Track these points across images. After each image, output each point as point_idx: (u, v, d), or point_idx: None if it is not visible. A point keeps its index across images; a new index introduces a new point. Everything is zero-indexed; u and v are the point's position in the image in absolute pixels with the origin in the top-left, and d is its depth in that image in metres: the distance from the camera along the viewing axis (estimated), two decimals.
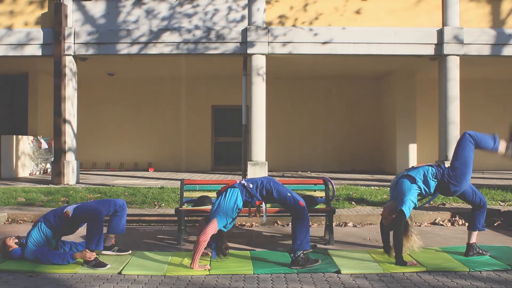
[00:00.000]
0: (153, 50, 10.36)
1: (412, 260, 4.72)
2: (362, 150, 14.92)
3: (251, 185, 4.91)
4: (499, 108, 14.63)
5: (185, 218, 6.14)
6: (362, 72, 13.72)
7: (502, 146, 5.10)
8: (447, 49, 10.21)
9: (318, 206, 5.89)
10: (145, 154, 15.08)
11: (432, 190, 4.90)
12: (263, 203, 5.03)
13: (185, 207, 5.90)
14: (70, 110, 10.46)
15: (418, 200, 4.90)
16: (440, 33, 10.25)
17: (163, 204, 7.80)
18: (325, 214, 5.95)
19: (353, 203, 7.89)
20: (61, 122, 10.29)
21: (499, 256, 4.93)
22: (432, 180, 4.87)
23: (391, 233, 4.85)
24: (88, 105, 14.37)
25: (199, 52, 10.37)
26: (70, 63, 10.39)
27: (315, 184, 6.18)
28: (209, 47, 10.34)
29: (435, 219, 7.05)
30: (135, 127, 15.11)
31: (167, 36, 10.33)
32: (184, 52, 10.39)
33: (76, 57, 10.57)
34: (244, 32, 10.30)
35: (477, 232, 5.09)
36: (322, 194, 6.07)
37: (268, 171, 10.29)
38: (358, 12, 10.39)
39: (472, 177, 5.12)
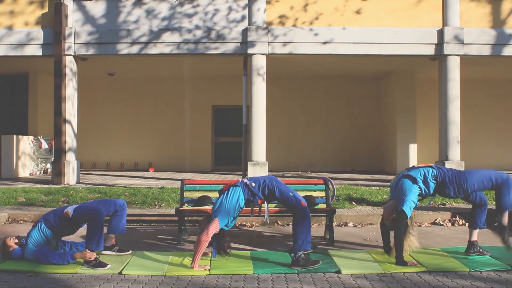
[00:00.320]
0: (154, 50, 10.36)
1: (413, 260, 4.72)
2: (362, 150, 14.91)
3: (253, 184, 4.90)
4: (499, 108, 14.64)
5: (186, 218, 6.15)
6: (363, 72, 13.71)
7: (506, 216, 4.99)
8: (447, 49, 10.20)
9: (318, 206, 5.89)
10: (145, 154, 15.07)
11: (431, 191, 4.90)
12: (264, 202, 5.03)
13: (185, 207, 5.90)
14: (71, 110, 10.46)
15: (418, 201, 4.90)
16: (441, 33, 10.25)
17: (163, 204, 7.80)
18: (325, 214, 5.95)
19: (353, 203, 7.89)
20: (61, 122, 10.29)
21: (499, 256, 4.93)
22: (432, 181, 4.87)
23: (392, 233, 4.86)
24: (88, 105, 14.38)
25: (200, 52, 10.37)
26: (70, 63, 10.39)
27: (316, 184, 6.19)
28: (210, 47, 10.34)
29: (436, 219, 7.05)
30: (136, 127, 15.11)
31: (167, 36, 10.33)
32: (184, 52, 10.40)
33: (77, 57, 10.57)
34: (245, 32, 10.30)
35: (478, 230, 5.09)
36: (323, 194, 6.07)
37: (268, 171, 10.29)
38: (358, 12, 10.38)
39: None
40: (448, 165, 9.82)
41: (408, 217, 4.70)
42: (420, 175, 4.87)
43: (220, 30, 10.33)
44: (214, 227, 4.59)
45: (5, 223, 7.09)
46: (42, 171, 13.09)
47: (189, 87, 14.96)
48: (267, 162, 10.25)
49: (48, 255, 4.62)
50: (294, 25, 10.36)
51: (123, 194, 8.36)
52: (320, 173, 12.99)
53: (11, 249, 4.78)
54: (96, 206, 4.94)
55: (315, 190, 6.12)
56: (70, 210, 4.83)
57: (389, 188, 5.50)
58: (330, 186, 6.07)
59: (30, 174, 12.52)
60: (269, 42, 10.27)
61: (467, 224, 6.77)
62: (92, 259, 4.56)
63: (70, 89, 10.43)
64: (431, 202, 7.73)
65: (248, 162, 10.20)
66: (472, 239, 5.07)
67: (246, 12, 10.40)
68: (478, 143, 14.35)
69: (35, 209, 7.51)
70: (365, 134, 15.01)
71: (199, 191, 6.10)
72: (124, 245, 5.37)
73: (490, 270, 4.51)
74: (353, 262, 4.77)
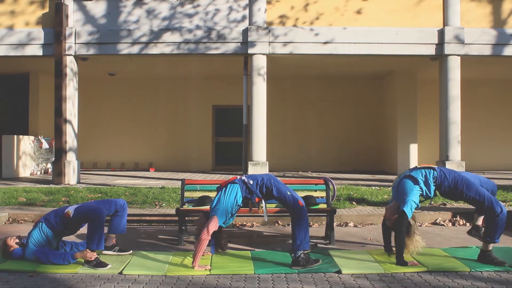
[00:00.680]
0: (154, 50, 10.36)
1: (413, 260, 4.72)
2: (363, 150, 14.90)
3: (251, 182, 4.88)
4: (500, 108, 14.64)
5: (186, 218, 6.14)
6: (363, 72, 13.71)
7: (481, 220, 5.10)
8: (448, 49, 10.20)
9: (319, 206, 5.89)
10: (146, 154, 15.08)
11: (432, 193, 4.89)
12: (262, 200, 5.02)
13: (186, 207, 5.90)
14: (71, 110, 10.47)
15: (419, 202, 4.89)
16: (441, 33, 10.25)
17: (164, 204, 7.80)
18: (326, 214, 5.94)
19: (354, 203, 7.89)
20: (62, 122, 10.30)
21: (500, 256, 4.92)
22: (433, 183, 4.86)
23: (393, 233, 4.85)
24: (89, 105, 14.39)
25: (200, 52, 10.38)
26: (71, 63, 10.40)
27: (316, 184, 6.18)
28: (210, 47, 10.34)
29: (436, 219, 7.05)
30: (136, 127, 15.11)
31: (168, 36, 10.33)
32: (185, 52, 10.40)
33: (77, 57, 10.57)
34: (245, 32, 10.30)
35: (483, 216, 5.10)
36: (323, 194, 6.07)
37: (269, 171, 10.29)
38: (359, 12, 10.38)
39: None
40: (448, 165, 9.81)
41: (409, 217, 4.69)
42: (422, 176, 4.86)
43: (221, 30, 10.33)
44: (213, 225, 4.58)
45: (5, 223, 7.09)
46: (42, 171, 13.09)
47: (189, 87, 14.96)
48: (267, 162, 10.25)
49: (48, 255, 4.62)
50: (294, 25, 10.36)
51: (123, 194, 8.36)
52: (321, 173, 12.99)
53: (11, 249, 4.78)
54: (97, 206, 4.94)
55: (315, 190, 6.11)
56: (71, 210, 4.84)
57: (389, 188, 5.50)
58: (331, 186, 6.06)
59: (30, 174, 12.53)
60: (269, 42, 10.27)
61: (467, 224, 6.80)
62: (93, 259, 4.57)
63: (71, 89, 10.43)
64: (432, 202, 7.74)
65: (249, 162, 10.20)
66: (476, 223, 5.10)
67: (246, 12, 10.40)
68: (478, 143, 14.34)
69: (35, 209, 7.51)
70: (365, 134, 15.00)
71: (200, 191, 6.10)
72: (124, 245, 5.37)
73: (491, 270, 4.51)
74: (353, 262, 4.76)
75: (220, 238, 4.82)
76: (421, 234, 4.96)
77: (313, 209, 5.79)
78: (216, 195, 4.83)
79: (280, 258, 4.95)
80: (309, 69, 13.11)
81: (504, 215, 4.67)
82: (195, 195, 6.08)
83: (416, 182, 4.82)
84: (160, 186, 9.43)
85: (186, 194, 6.09)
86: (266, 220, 5.29)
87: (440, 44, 10.25)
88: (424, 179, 4.85)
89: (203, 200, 5.79)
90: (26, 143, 12.35)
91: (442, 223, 6.99)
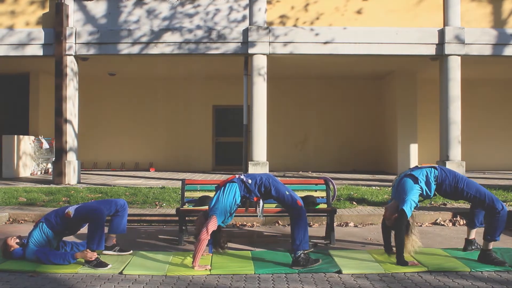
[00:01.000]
0: (154, 50, 10.36)
1: (413, 260, 4.72)
2: (363, 150, 14.91)
3: (250, 181, 4.87)
4: (500, 108, 14.64)
5: (186, 218, 6.14)
6: (363, 72, 13.71)
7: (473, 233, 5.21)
8: (448, 49, 10.20)
9: (319, 206, 5.89)
10: (146, 154, 15.08)
11: (432, 193, 4.89)
12: (260, 200, 5.01)
13: (186, 207, 5.91)
14: (71, 110, 10.47)
15: (419, 201, 4.89)
16: (441, 33, 10.25)
17: (164, 204, 7.80)
18: (326, 214, 5.94)
19: (354, 203, 7.89)
20: (62, 122, 10.30)
21: (500, 256, 4.92)
22: (433, 183, 4.86)
23: (393, 233, 4.85)
24: (89, 105, 14.39)
25: (200, 52, 10.38)
26: (71, 63, 10.41)
27: (316, 184, 6.18)
28: (210, 47, 10.35)
29: (436, 219, 7.05)
30: (136, 127, 15.11)
31: (168, 36, 10.33)
32: (185, 52, 10.40)
33: (77, 57, 10.58)
34: (245, 32, 10.30)
35: (475, 229, 5.13)
36: (323, 194, 6.07)
37: (269, 171, 10.29)
38: (359, 12, 10.38)
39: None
40: (449, 165, 9.80)
41: (409, 216, 4.70)
42: (423, 175, 4.86)
43: (221, 30, 10.34)
44: (213, 225, 4.59)
45: (6, 223, 7.10)
46: (43, 171, 13.10)
47: (190, 87, 14.96)
48: (267, 162, 10.25)
49: (49, 255, 4.62)
50: (295, 25, 10.36)
51: (124, 194, 8.37)
52: (321, 173, 12.99)
53: (12, 249, 4.78)
54: (97, 206, 4.94)
55: (315, 190, 6.12)
56: (71, 210, 4.84)
57: (390, 188, 5.50)
58: (331, 186, 6.06)
59: (31, 174, 12.53)
60: (270, 42, 10.27)
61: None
62: (93, 259, 4.57)
63: (71, 89, 10.43)
64: (432, 202, 7.74)
65: (249, 162, 10.20)
66: (470, 238, 5.15)
67: (247, 12, 10.40)
68: (479, 143, 14.34)
69: (36, 209, 7.52)
70: (366, 134, 15.00)
71: (200, 191, 6.11)
72: (125, 245, 5.37)
73: (491, 270, 4.51)
74: (354, 262, 4.76)
75: (219, 237, 4.82)
76: (419, 234, 4.97)
77: (314, 209, 5.79)
78: (215, 195, 4.83)
79: (280, 258, 4.95)
80: (309, 69, 13.11)
81: (505, 212, 4.69)
82: (196, 195, 6.08)
83: (416, 181, 4.82)
84: (161, 186, 9.44)
85: (187, 194, 6.09)
86: (260, 218, 5.24)
87: (441, 44, 10.25)
88: (425, 179, 4.85)
89: (203, 200, 5.79)
90: (26, 143, 12.35)
91: (442, 223, 6.99)
